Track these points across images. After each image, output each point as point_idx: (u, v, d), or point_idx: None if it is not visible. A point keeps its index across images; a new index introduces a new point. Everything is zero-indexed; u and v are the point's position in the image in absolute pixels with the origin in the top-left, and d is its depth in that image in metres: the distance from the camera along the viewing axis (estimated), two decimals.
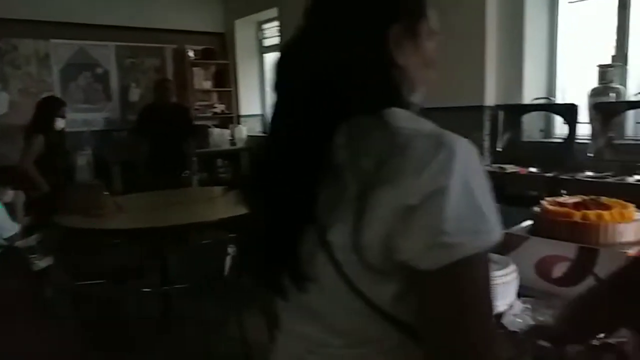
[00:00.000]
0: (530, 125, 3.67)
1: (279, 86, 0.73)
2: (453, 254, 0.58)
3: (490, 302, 0.64)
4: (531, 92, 3.70)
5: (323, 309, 0.70)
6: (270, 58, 6.34)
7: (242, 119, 6.45)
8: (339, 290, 0.65)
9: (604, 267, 1.38)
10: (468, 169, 0.60)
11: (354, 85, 0.66)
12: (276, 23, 5.74)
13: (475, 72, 3.69)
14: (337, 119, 0.65)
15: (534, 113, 3.63)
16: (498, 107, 3.65)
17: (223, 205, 3.32)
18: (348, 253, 0.63)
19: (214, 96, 6.51)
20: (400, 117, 0.65)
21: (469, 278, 0.61)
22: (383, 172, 0.60)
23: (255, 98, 6.59)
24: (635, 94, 3.26)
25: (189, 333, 2.97)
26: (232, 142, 6.23)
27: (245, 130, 6.27)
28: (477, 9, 3.64)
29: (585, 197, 1.65)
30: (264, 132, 6.65)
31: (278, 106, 0.74)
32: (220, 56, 6.34)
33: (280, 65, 0.73)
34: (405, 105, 0.69)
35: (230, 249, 2.64)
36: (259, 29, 6.46)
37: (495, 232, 0.61)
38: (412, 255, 0.60)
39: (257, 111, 6.58)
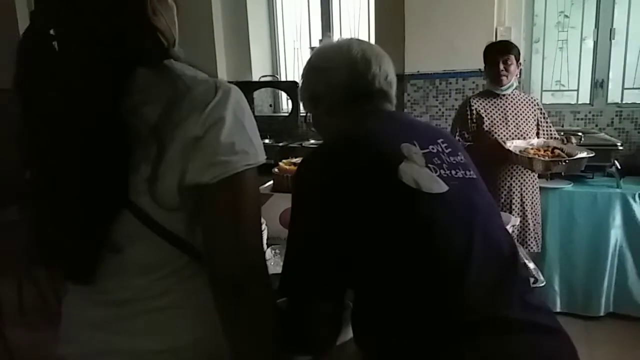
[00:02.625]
0: (261, 101, 4.02)
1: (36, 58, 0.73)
2: (228, 168, 0.72)
3: (258, 214, 0.79)
4: (259, 71, 4.05)
5: (118, 258, 0.75)
6: None
7: None
8: (135, 232, 0.73)
9: None
10: (239, 106, 0.75)
11: (125, 40, 0.73)
12: None
13: (206, 53, 3.83)
14: (111, 73, 0.71)
15: (263, 89, 3.99)
16: (230, 83, 3.86)
17: None
18: (148, 190, 0.71)
19: None
20: (179, 68, 0.76)
21: (240, 191, 0.74)
22: (172, 115, 0.71)
23: None
24: None
25: None
26: None
27: None
28: None
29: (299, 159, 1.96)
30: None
31: (39, 78, 0.73)
32: None
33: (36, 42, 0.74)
34: (171, 56, 0.78)
35: None
36: None
37: (260, 156, 0.76)
38: (196, 174, 0.72)
39: None
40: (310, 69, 1.10)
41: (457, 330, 0.79)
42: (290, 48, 4.20)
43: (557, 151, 2.36)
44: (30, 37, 0.74)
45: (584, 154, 2.31)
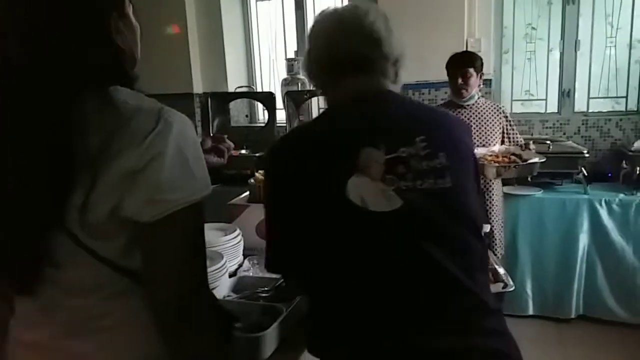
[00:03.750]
0: (237, 112, 4.02)
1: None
2: (167, 207, 0.70)
3: (200, 246, 0.77)
4: (234, 82, 4.05)
5: (56, 277, 0.74)
6: None
7: None
8: (70, 254, 0.72)
9: None
10: (182, 138, 0.72)
11: (76, 62, 0.70)
12: None
13: (182, 64, 3.83)
14: (61, 96, 0.69)
15: (239, 100, 3.99)
16: (206, 94, 3.87)
17: None
18: (78, 216, 0.69)
19: None
20: (125, 94, 0.73)
21: (181, 227, 0.73)
22: (111, 144, 0.68)
23: None
24: None
25: None
26: None
27: None
28: (178, 6, 3.77)
29: None
30: None
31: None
32: None
33: None
34: (129, 81, 0.76)
35: None
36: None
37: (203, 190, 0.74)
38: (135, 211, 0.70)
39: None
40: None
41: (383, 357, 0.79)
42: (266, 59, 4.23)
43: (513, 157, 2.43)
44: None
45: (535, 159, 2.39)
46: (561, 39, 3.35)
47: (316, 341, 0.93)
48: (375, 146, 0.86)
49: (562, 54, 3.36)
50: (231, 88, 4.00)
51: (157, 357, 0.77)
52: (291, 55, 3.97)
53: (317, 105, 3.97)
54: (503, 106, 2.74)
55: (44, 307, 0.77)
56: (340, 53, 0.97)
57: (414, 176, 0.86)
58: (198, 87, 3.92)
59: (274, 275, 1.43)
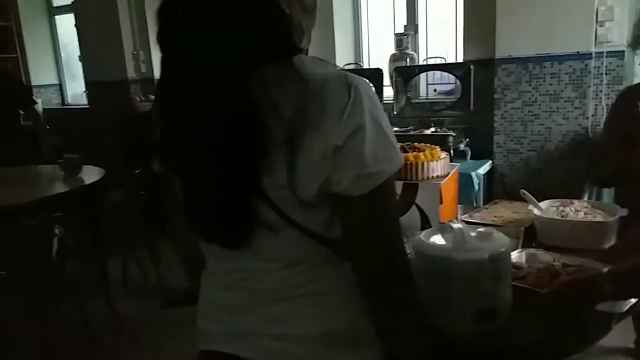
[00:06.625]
0: None
1: (174, 46, 0.73)
2: (376, 179, 0.70)
3: (397, 212, 0.79)
4: (342, 59, 4.07)
5: (259, 244, 0.76)
6: (63, 20, 5.63)
7: (34, 90, 5.64)
8: (276, 226, 0.74)
9: (422, 198, 1.68)
10: (373, 105, 0.71)
11: (259, 36, 0.70)
12: None
13: None
14: (248, 70, 0.69)
15: None
16: (356, 75, 3.90)
17: (43, 183, 2.97)
18: (283, 192, 0.70)
19: None
20: (307, 63, 0.72)
21: (387, 196, 0.74)
22: (306, 118, 0.68)
23: (49, 65, 5.85)
24: (424, 59, 3.84)
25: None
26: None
27: (40, 103, 5.46)
28: None
29: (403, 144, 1.94)
30: (65, 104, 5.97)
31: (177, 66, 0.74)
32: None
33: (172, 26, 0.73)
34: (300, 50, 0.76)
35: (58, 230, 2.39)
36: None
37: (400, 156, 0.74)
38: (345, 186, 0.70)
39: (53, 80, 5.87)
40: None
41: None
42: (374, 35, 4.18)
43: None
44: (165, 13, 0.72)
45: None
46: None
47: None
48: None
49: None
50: (339, 64, 4.02)
51: (357, 323, 0.79)
52: (400, 30, 3.89)
53: (425, 80, 3.87)
54: None
55: (242, 273, 0.81)
56: None
57: None
58: None
59: None
